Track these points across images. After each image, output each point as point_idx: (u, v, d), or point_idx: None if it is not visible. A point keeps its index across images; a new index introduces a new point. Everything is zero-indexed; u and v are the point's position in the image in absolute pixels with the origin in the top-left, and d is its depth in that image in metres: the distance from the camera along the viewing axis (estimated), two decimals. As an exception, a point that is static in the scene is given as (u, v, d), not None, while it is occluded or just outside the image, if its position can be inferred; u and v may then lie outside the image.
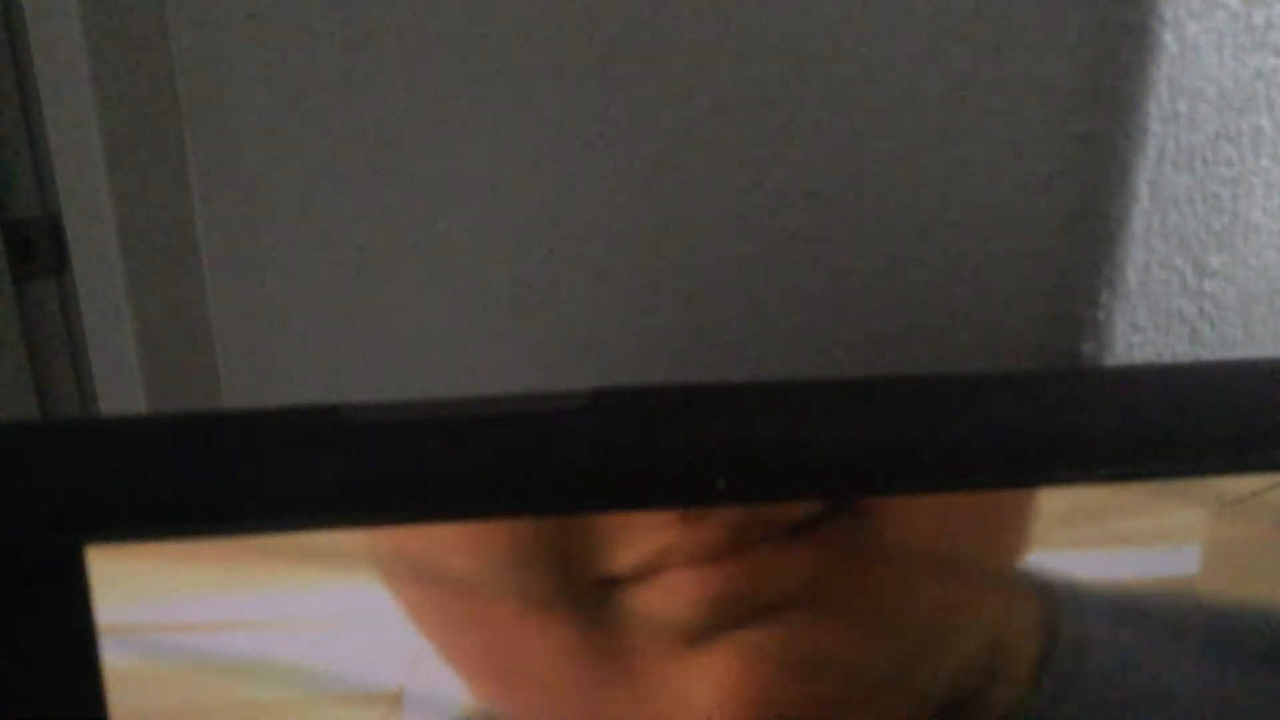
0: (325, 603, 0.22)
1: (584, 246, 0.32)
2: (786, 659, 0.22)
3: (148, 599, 0.21)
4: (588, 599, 0.22)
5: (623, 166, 0.30)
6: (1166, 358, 0.26)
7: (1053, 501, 0.22)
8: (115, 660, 0.21)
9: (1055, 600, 0.23)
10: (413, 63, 0.35)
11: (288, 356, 0.44)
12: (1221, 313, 0.27)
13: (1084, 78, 0.23)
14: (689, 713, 0.23)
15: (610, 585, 0.22)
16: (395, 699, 0.23)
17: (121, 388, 0.53)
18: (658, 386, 0.22)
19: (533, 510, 0.21)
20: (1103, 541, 0.22)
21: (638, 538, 0.21)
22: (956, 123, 0.25)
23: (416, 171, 0.36)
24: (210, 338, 0.49)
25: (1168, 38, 0.23)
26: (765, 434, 0.21)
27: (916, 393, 0.22)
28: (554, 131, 0.32)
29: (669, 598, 0.22)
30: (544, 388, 0.31)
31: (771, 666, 0.22)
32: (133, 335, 0.50)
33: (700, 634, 0.22)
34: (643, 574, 0.22)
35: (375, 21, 0.35)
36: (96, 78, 0.46)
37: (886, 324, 0.27)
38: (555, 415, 0.21)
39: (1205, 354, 0.27)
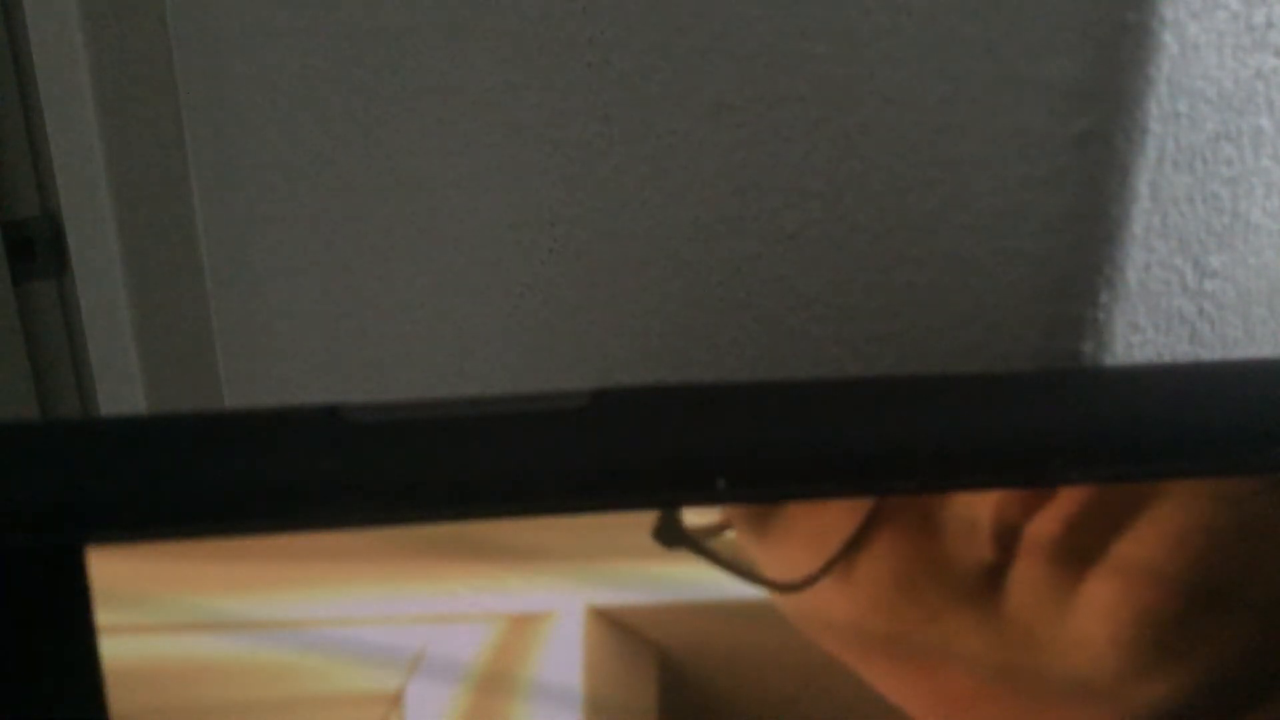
0: (325, 602, 0.22)
1: (584, 246, 0.32)
2: (1155, 571, 0.23)
3: (148, 599, 0.21)
4: (981, 590, 0.23)
5: (623, 166, 0.30)
6: (1166, 358, 0.26)
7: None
8: (115, 660, 0.21)
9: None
10: (413, 63, 0.35)
11: (288, 356, 0.44)
12: (1221, 313, 0.27)
13: (1084, 78, 0.23)
14: (1089, 657, 0.23)
15: (992, 570, 0.23)
16: (395, 699, 0.23)
17: (121, 388, 0.53)
18: (658, 386, 0.22)
19: (533, 510, 0.21)
20: None
21: (980, 515, 0.22)
22: (956, 123, 0.25)
23: (416, 171, 0.36)
24: (210, 338, 0.49)
25: (1168, 38, 0.23)
26: (765, 434, 0.21)
27: (916, 393, 0.22)
28: (554, 131, 0.32)
29: (1036, 547, 0.22)
30: (544, 388, 0.31)
31: (1145, 580, 0.23)
32: (133, 335, 0.50)
33: (1075, 567, 0.23)
34: (1008, 542, 0.22)
35: (375, 21, 0.35)
36: (96, 78, 0.46)
37: (886, 324, 0.27)
38: (555, 415, 0.21)
39: (1205, 354, 0.27)
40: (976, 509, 0.22)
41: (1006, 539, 0.22)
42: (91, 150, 0.48)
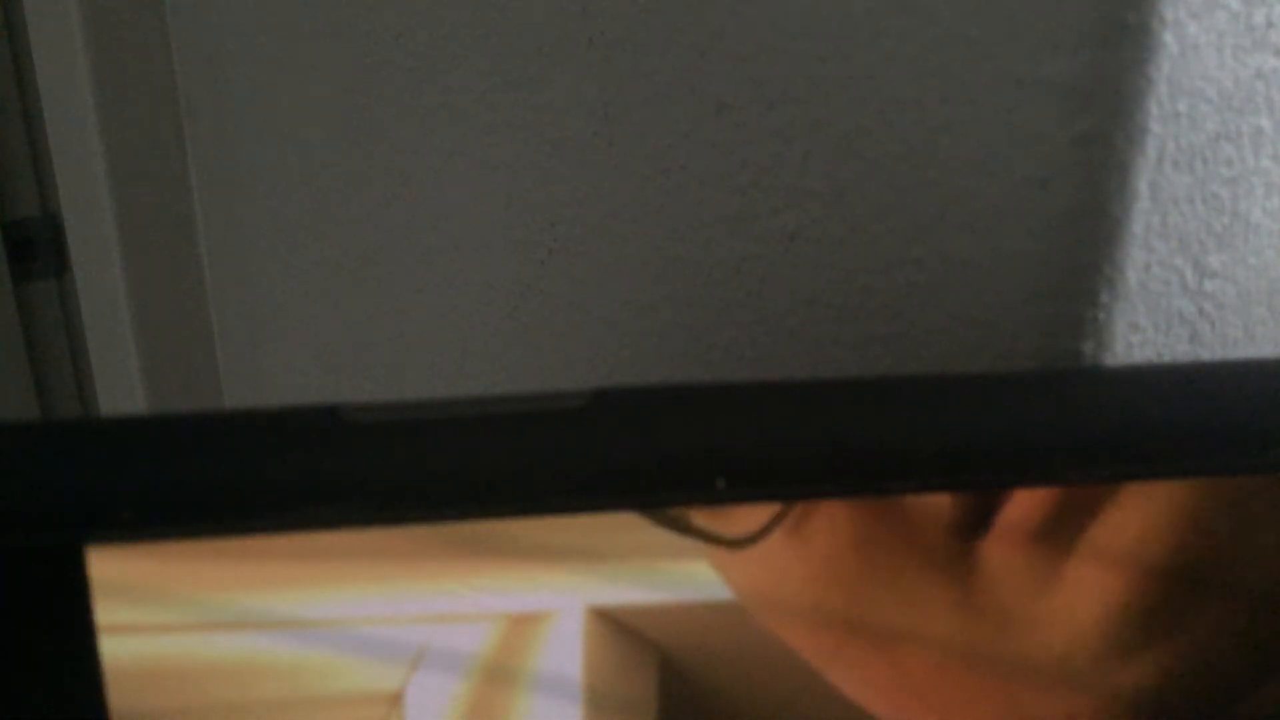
0: (325, 602, 0.22)
1: (584, 246, 0.32)
2: (1138, 554, 0.22)
3: (148, 599, 0.21)
4: (948, 562, 0.22)
5: (623, 166, 0.30)
6: (1166, 358, 0.26)
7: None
8: (115, 660, 0.21)
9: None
10: (412, 63, 0.35)
11: (288, 356, 0.44)
12: (1221, 313, 0.27)
13: (1084, 78, 0.23)
14: (1069, 639, 0.22)
15: (961, 541, 0.22)
16: (395, 699, 0.23)
17: (121, 388, 0.53)
18: (658, 386, 0.22)
19: (533, 510, 0.21)
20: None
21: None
22: (956, 123, 0.25)
23: (416, 171, 0.36)
24: (210, 338, 0.49)
25: (1168, 38, 0.23)
26: (765, 434, 0.21)
27: (916, 393, 0.22)
28: (553, 131, 0.32)
29: (1011, 520, 0.22)
30: (544, 388, 0.31)
31: (1128, 562, 0.22)
32: (133, 335, 0.50)
33: (1055, 544, 0.22)
34: (980, 513, 0.22)
35: (374, 21, 0.35)
36: (96, 78, 0.46)
37: (886, 324, 0.27)
38: (555, 415, 0.21)
39: (1205, 354, 0.27)
40: None
41: (977, 509, 0.22)
42: (91, 150, 0.48)
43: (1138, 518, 0.22)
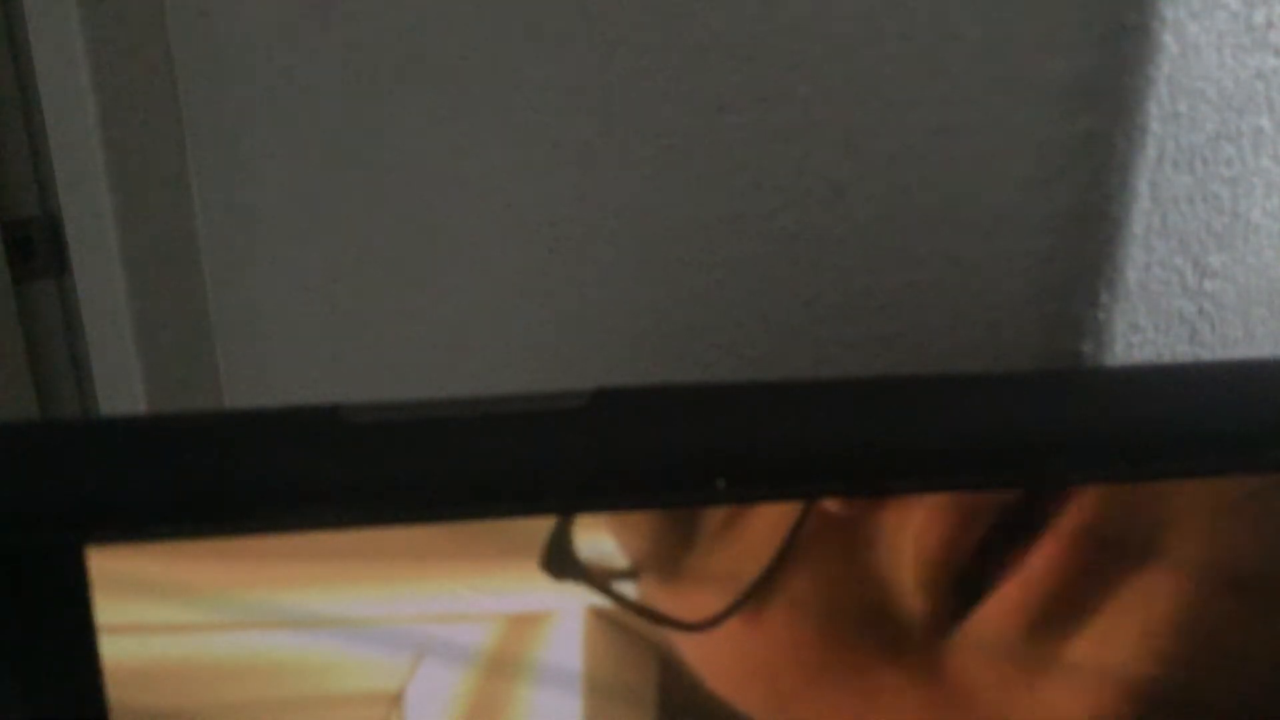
0: (326, 602, 0.22)
1: (584, 246, 0.32)
2: (1125, 666, 0.22)
3: (148, 599, 0.21)
4: (915, 642, 0.22)
5: (623, 166, 0.30)
6: (1166, 358, 0.26)
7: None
8: (115, 660, 0.21)
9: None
10: (412, 64, 0.35)
11: (288, 356, 0.44)
12: (1221, 313, 0.27)
13: (1084, 78, 0.23)
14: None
15: (926, 621, 0.22)
16: (395, 699, 0.23)
17: (121, 388, 0.53)
18: (658, 386, 0.22)
19: (533, 510, 0.21)
20: None
21: (904, 561, 0.21)
22: (956, 123, 0.25)
23: (416, 172, 0.36)
24: (210, 338, 0.49)
25: (1168, 38, 0.23)
26: (765, 434, 0.21)
27: (916, 393, 0.22)
28: (554, 131, 0.32)
29: (991, 628, 0.22)
30: (544, 388, 0.31)
31: (1117, 674, 0.22)
32: (133, 335, 0.50)
33: (1034, 654, 0.22)
34: (955, 619, 0.22)
35: (375, 22, 0.35)
36: (96, 78, 0.46)
37: (886, 324, 0.27)
38: (555, 415, 0.21)
39: (1205, 354, 0.27)
40: (900, 553, 0.21)
41: (947, 610, 0.22)
42: (91, 150, 0.48)
43: (1121, 626, 0.22)
